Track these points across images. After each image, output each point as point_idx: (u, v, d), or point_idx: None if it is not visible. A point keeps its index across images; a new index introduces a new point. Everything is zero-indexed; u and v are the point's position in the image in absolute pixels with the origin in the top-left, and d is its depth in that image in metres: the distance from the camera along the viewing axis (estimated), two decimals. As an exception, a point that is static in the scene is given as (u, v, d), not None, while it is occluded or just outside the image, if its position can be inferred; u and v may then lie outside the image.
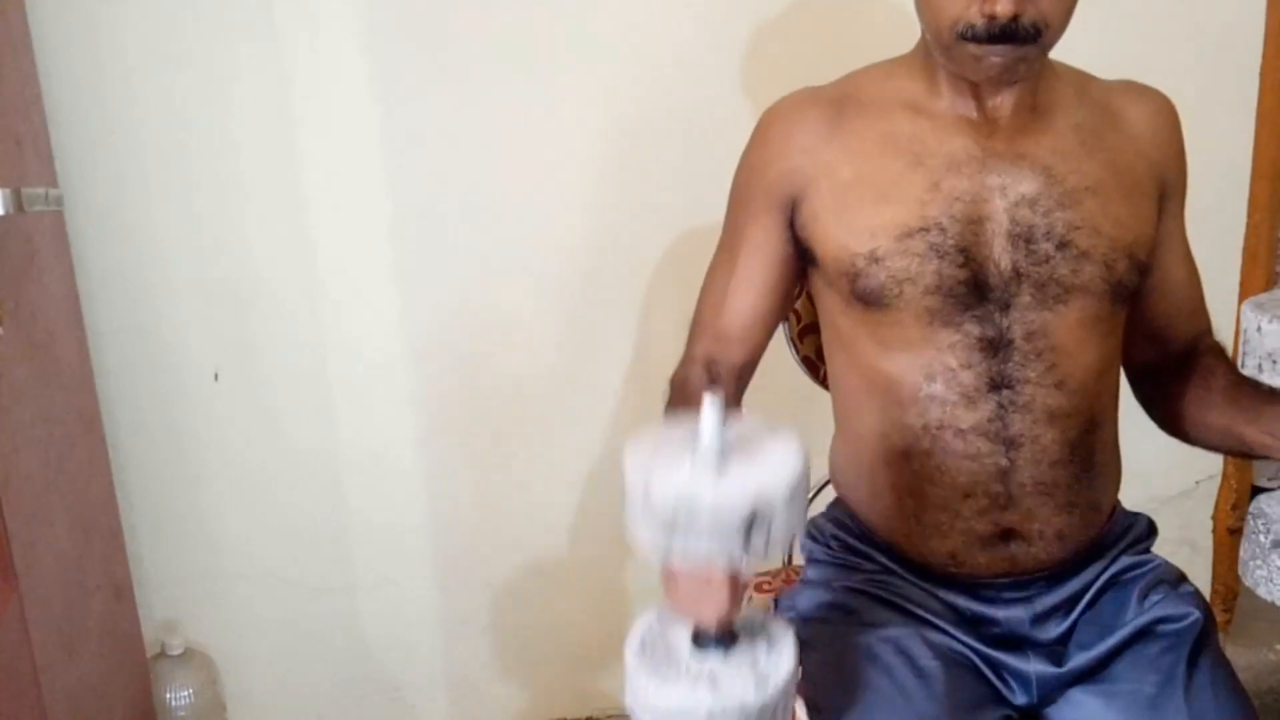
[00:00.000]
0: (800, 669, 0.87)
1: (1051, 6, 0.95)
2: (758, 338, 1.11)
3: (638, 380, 1.72)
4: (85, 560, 1.47)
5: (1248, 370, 0.91)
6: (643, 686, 0.84)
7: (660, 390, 1.10)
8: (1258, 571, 0.92)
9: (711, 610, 0.83)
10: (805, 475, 0.80)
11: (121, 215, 1.58)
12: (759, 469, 0.78)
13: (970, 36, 0.95)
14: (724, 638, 0.84)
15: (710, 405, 0.77)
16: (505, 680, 1.85)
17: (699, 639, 0.85)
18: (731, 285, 1.10)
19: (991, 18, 0.93)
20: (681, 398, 1.06)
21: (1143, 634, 1.02)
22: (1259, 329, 0.88)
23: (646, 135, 1.62)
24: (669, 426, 0.85)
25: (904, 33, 1.07)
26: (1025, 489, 1.02)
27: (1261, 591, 0.91)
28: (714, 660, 0.84)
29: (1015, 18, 0.93)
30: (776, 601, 1.18)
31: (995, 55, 0.95)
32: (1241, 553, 0.94)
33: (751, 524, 0.77)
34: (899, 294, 1.00)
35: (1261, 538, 0.91)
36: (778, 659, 0.85)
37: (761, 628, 0.88)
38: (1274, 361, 0.88)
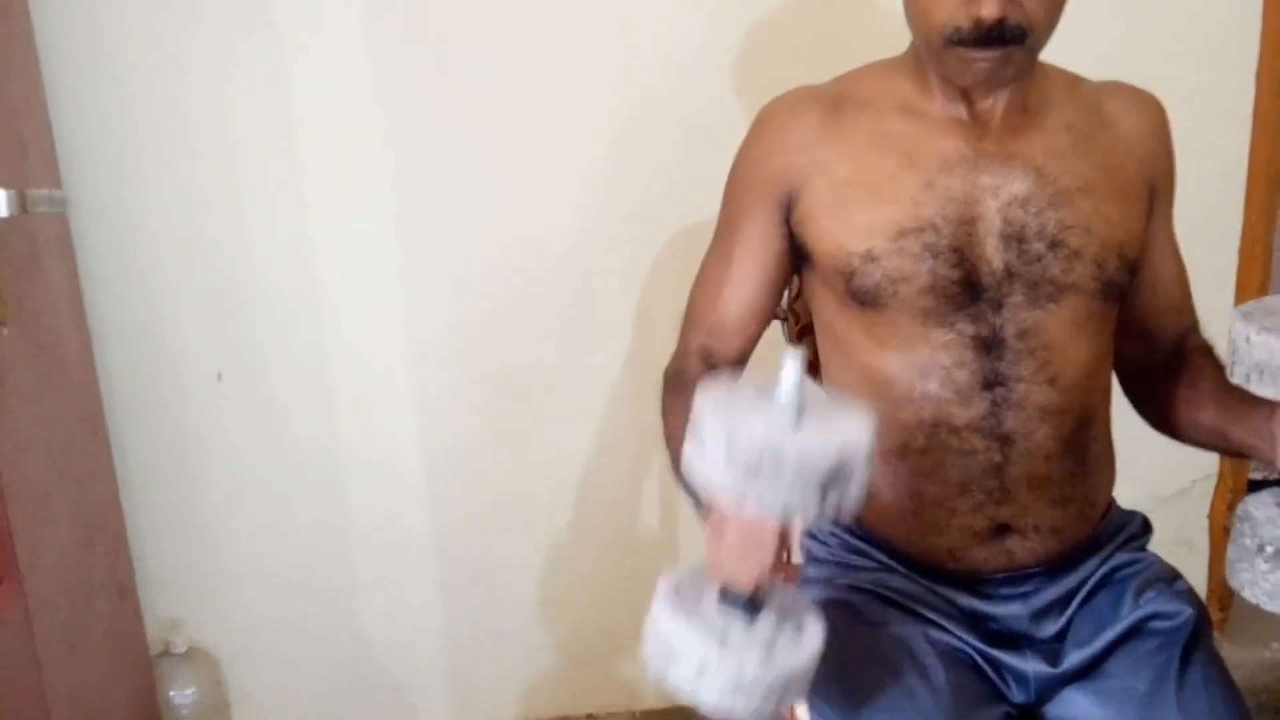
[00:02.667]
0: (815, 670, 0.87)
1: (1037, 8, 0.96)
2: (752, 331, 1.12)
3: (636, 380, 1.73)
4: (89, 559, 1.48)
5: (1236, 379, 0.91)
6: (658, 617, 0.85)
7: (657, 390, 1.11)
8: (1243, 574, 0.92)
9: (751, 567, 0.84)
10: (874, 446, 0.81)
11: (125, 217, 1.58)
12: (839, 428, 0.80)
13: (957, 40, 0.96)
14: (751, 602, 0.84)
15: (792, 360, 0.78)
16: (505, 680, 1.85)
17: (727, 597, 0.85)
18: (726, 278, 1.11)
19: (978, 21, 0.94)
20: (677, 390, 1.06)
21: (1136, 631, 1.03)
22: (1247, 339, 0.88)
23: (644, 134, 1.63)
24: (739, 382, 0.86)
25: (898, 33, 1.08)
26: (1020, 484, 1.03)
27: (1247, 594, 0.91)
28: (735, 622, 0.84)
29: (1001, 20, 0.94)
30: (776, 600, 1.19)
31: (982, 59, 0.96)
32: (1229, 555, 0.94)
33: (831, 481, 0.78)
34: (894, 293, 1.01)
35: (1248, 541, 0.91)
36: (795, 648, 0.85)
37: (795, 615, 0.88)
38: (1262, 372, 0.88)
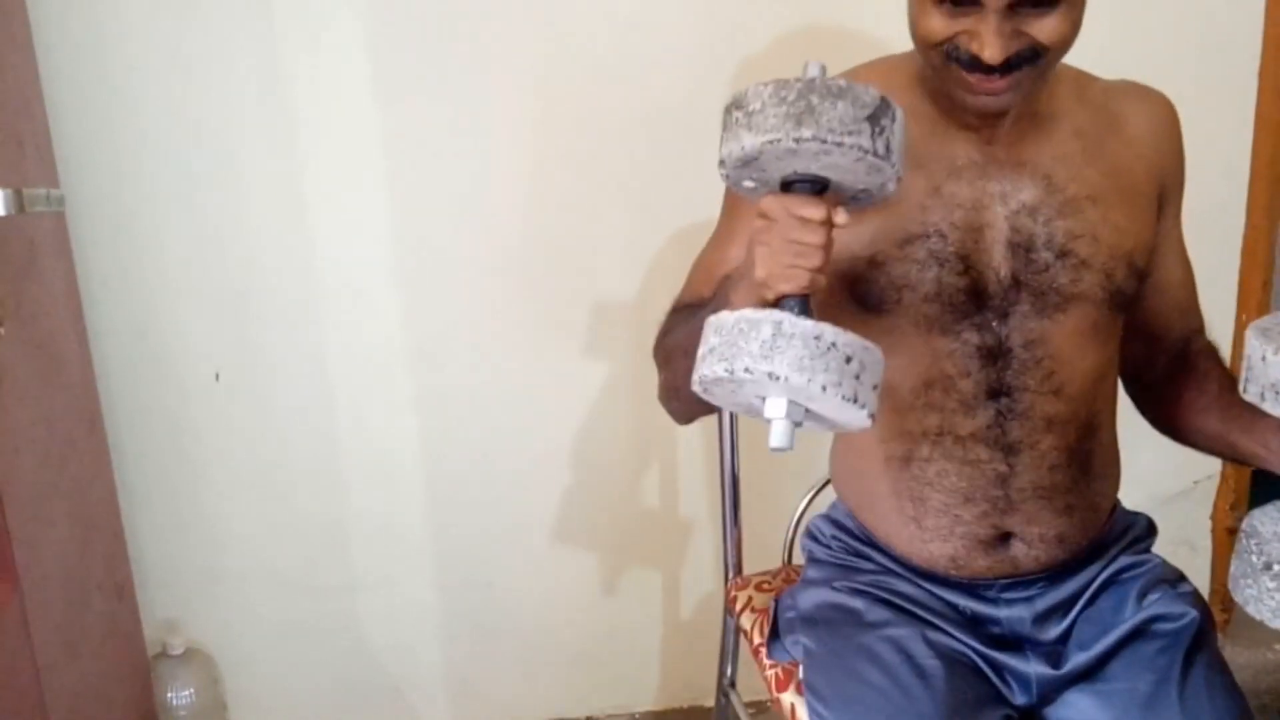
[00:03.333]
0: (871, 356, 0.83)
1: (1053, 29, 0.90)
2: None
3: (636, 379, 1.72)
4: (87, 559, 1.47)
5: (1249, 397, 0.88)
6: (717, 317, 0.83)
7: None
8: (1247, 590, 0.90)
9: (800, 271, 0.82)
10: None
11: (123, 216, 1.58)
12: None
13: (956, 59, 0.92)
14: (804, 308, 0.82)
15: (813, 64, 0.82)
16: (505, 680, 1.85)
17: (780, 303, 0.83)
18: (731, 241, 1.07)
19: (975, 58, 0.90)
20: (676, 320, 1.07)
21: (1139, 633, 1.02)
22: (1264, 358, 0.86)
23: (644, 134, 1.63)
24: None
25: (900, 33, 1.07)
26: (1025, 494, 1.03)
27: (1250, 610, 0.90)
28: (788, 313, 0.81)
29: (1006, 61, 0.89)
30: (777, 601, 1.18)
31: (986, 89, 0.92)
32: (1232, 569, 0.93)
33: (880, 113, 0.78)
34: (898, 300, 1.00)
35: (1254, 558, 0.89)
36: (851, 337, 0.81)
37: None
38: (1277, 392, 0.85)
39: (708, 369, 0.81)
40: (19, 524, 1.25)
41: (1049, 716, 1.02)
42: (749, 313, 0.80)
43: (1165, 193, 1.08)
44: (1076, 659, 1.03)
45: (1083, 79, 1.08)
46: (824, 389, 0.78)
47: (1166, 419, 1.12)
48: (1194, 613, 1.02)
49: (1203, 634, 1.02)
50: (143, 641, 1.65)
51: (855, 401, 0.80)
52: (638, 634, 1.87)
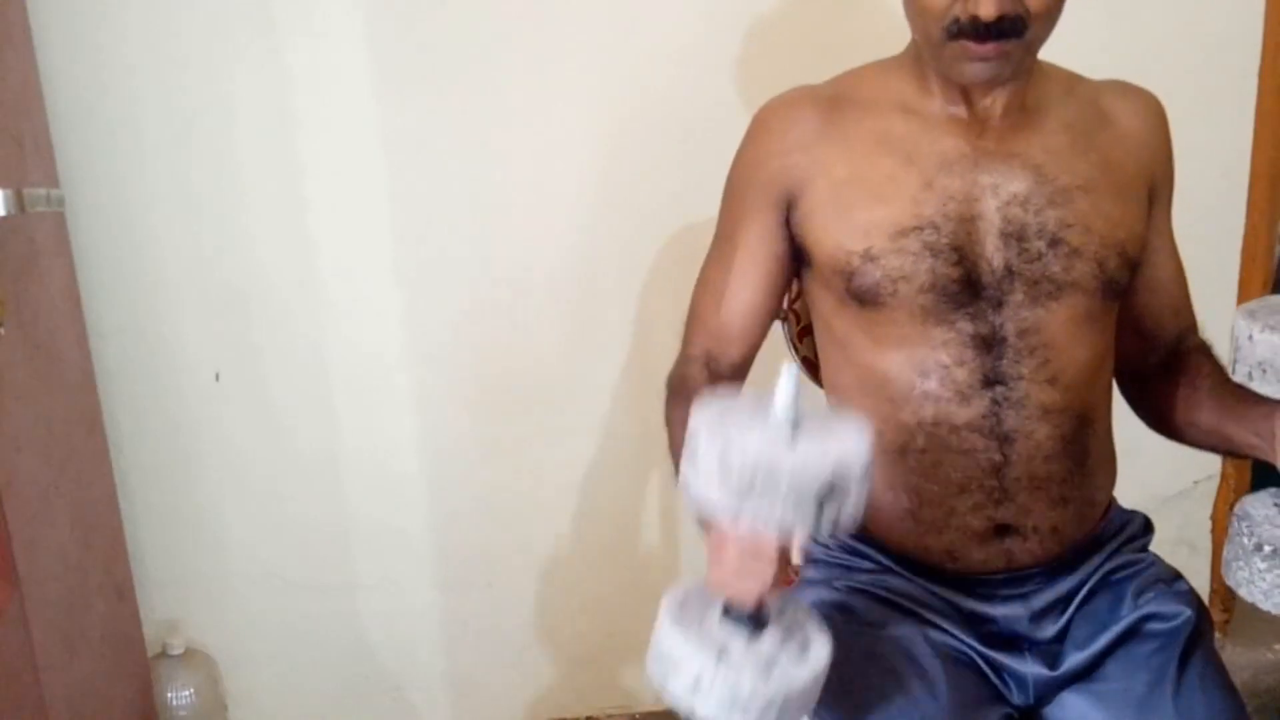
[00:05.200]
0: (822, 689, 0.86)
1: (1037, 2, 0.95)
2: (755, 334, 1.12)
3: (636, 379, 1.72)
4: (86, 560, 1.48)
5: (1238, 377, 0.91)
6: (661, 628, 0.84)
7: (658, 389, 1.11)
8: (1240, 573, 0.93)
9: (753, 584, 0.83)
10: (872, 458, 0.80)
11: (122, 216, 1.58)
12: (835, 442, 0.78)
13: (957, 32, 0.96)
14: (754, 617, 0.84)
15: (788, 374, 0.77)
16: (505, 680, 1.85)
17: (730, 613, 0.84)
18: (728, 282, 1.10)
19: (974, 18, 0.94)
20: (681, 396, 1.06)
21: (1134, 633, 1.02)
22: (1250, 337, 0.89)
23: (644, 135, 1.63)
24: (736, 396, 0.85)
25: (896, 33, 1.07)
26: (1020, 484, 1.03)
27: (1243, 593, 0.92)
28: (736, 637, 0.83)
29: (1000, 17, 0.94)
30: (776, 601, 1.18)
31: (981, 54, 0.96)
32: (1225, 553, 0.94)
33: (826, 496, 0.77)
34: (894, 292, 1.01)
35: (1245, 540, 0.92)
36: (796, 666, 0.84)
37: (801, 632, 0.87)
38: (1264, 370, 0.88)
39: (652, 668, 0.86)
40: (19, 525, 1.25)
41: (1046, 717, 1.02)
42: (681, 640, 0.83)
43: (1155, 188, 1.09)
44: (1073, 659, 1.03)
45: (1072, 78, 1.10)
46: None
47: (1161, 416, 1.13)
48: (1189, 612, 1.02)
49: (1198, 633, 1.02)
50: (143, 642, 1.66)
51: None
52: (638, 634, 1.86)
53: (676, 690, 0.83)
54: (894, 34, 1.08)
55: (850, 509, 0.79)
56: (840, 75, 1.11)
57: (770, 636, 0.84)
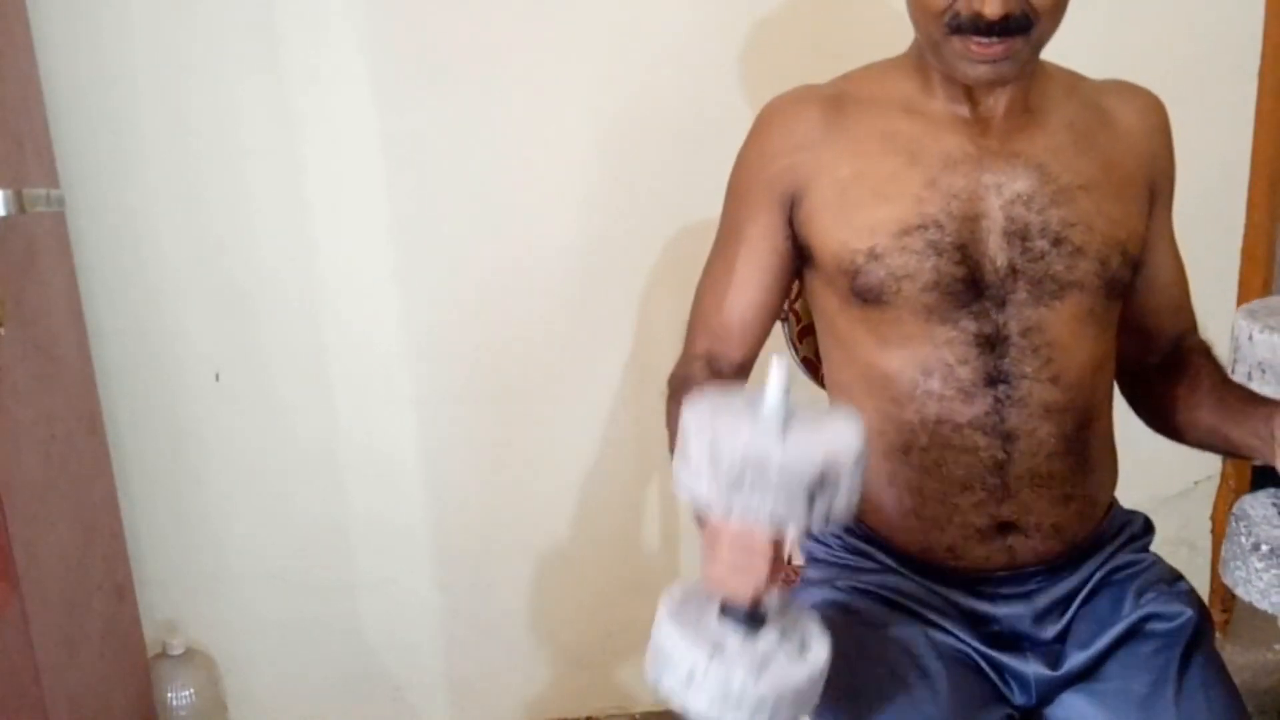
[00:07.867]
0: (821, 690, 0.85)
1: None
2: (757, 334, 1.12)
3: (636, 378, 1.72)
4: (86, 560, 1.48)
5: (1238, 377, 0.91)
6: (658, 624, 0.85)
7: (659, 388, 1.11)
8: (1237, 572, 0.93)
9: (747, 580, 0.83)
10: (865, 450, 0.80)
11: (123, 216, 1.58)
12: (825, 434, 0.78)
13: (957, 27, 0.95)
14: (750, 616, 0.84)
15: (778, 367, 0.77)
16: (505, 680, 1.85)
17: (726, 610, 0.84)
18: (730, 281, 1.10)
19: (978, 15, 0.94)
20: (683, 395, 1.06)
21: (1135, 633, 1.02)
22: (1250, 337, 0.89)
23: (644, 135, 1.63)
24: (728, 392, 0.85)
25: (898, 33, 1.07)
26: (1022, 482, 1.03)
27: (1240, 592, 0.92)
28: (731, 635, 0.83)
29: (1005, 17, 0.94)
30: (777, 601, 1.18)
31: (984, 51, 0.96)
32: (1223, 553, 0.95)
33: (817, 489, 0.77)
34: (897, 291, 1.01)
35: (1243, 539, 0.92)
36: (792, 665, 0.83)
37: (800, 632, 0.87)
38: (1264, 370, 0.88)
39: (648, 664, 0.86)
40: (19, 525, 1.25)
41: (1048, 717, 1.02)
42: (676, 635, 0.83)
43: (1156, 188, 1.10)
44: (1074, 659, 1.03)
45: (1073, 77, 1.10)
46: None
47: (1161, 416, 1.13)
48: (1190, 612, 1.02)
49: (1199, 633, 1.02)
50: (142, 642, 1.66)
51: None
52: (637, 634, 1.86)
53: (670, 685, 0.83)
54: (896, 35, 1.09)
55: (842, 501, 0.79)
56: (843, 75, 1.11)
57: (767, 635, 0.84)
